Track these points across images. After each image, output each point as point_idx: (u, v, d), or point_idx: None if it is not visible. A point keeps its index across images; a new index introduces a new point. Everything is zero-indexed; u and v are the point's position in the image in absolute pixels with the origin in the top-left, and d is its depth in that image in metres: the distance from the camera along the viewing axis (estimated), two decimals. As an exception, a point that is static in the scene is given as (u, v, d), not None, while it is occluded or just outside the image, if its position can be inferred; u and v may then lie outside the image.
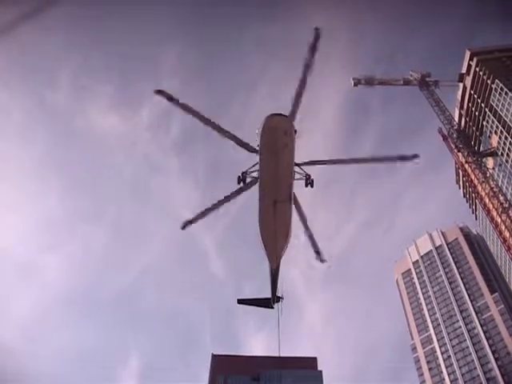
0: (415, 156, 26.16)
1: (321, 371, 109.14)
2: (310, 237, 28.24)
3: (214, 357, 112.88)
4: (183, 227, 27.36)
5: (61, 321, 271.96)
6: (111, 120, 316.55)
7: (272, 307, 34.21)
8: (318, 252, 28.60)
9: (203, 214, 27.32)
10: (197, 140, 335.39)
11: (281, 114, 23.05)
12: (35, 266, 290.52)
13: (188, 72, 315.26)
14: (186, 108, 24.79)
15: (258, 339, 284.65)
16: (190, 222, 27.34)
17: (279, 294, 33.59)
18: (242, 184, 25.73)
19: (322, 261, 28.99)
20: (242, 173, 25.75)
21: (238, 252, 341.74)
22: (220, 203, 27.01)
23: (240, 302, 36.02)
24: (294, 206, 26.94)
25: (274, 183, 24.81)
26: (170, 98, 24.64)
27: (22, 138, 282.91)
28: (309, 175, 25.94)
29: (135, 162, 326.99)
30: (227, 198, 26.87)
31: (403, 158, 26.67)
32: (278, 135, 23.05)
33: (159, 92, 24.62)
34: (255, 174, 25.60)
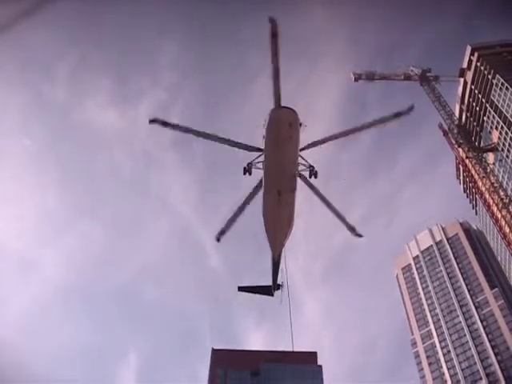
0: (410, 108, 26.47)
1: (321, 366, 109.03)
2: (339, 216, 28.46)
3: (214, 351, 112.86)
4: (218, 239, 27.94)
5: (59, 317, 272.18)
6: (109, 114, 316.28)
7: (272, 295, 34.72)
8: (352, 228, 28.74)
9: (232, 221, 27.89)
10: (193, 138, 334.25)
11: (286, 107, 23.54)
12: (33, 262, 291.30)
13: (187, 67, 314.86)
14: (182, 130, 26.10)
15: (256, 334, 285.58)
16: (223, 232, 27.90)
17: (279, 283, 34.09)
18: (247, 175, 26.36)
19: (358, 235, 29.06)
20: (248, 164, 26.42)
21: (237, 246, 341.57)
22: (243, 206, 27.69)
23: (240, 289, 36.45)
24: (313, 192, 27.51)
25: (278, 174, 25.42)
26: (165, 124, 25.64)
27: (20, 132, 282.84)
28: (312, 166, 26.57)
29: (133, 156, 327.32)
30: (248, 200, 27.64)
31: (398, 115, 26.82)
32: (283, 127, 23.62)
33: (153, 121, 25.48)
34: (259, 165, 26.21)
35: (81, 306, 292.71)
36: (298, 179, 26.73)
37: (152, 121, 25.38)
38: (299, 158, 25.95)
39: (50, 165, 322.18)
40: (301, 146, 25.56)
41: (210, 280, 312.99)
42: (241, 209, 27.64)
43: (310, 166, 26.50)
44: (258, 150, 25.88)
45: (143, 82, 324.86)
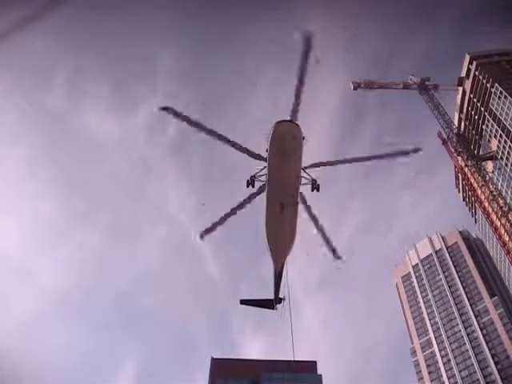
0: (417, 150, 27.10)
1: (320, 375, 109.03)
2: (324, 236, 28.71)
3: (214, 360, 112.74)
4: (201, 237, 27.51)
5: (57, 324, 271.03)
6: (107, 122, 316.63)
7: (274, 308, 34.44)
8: (333, 250, 29.01)
9: (220, 222, 27.58)
10: (193, 142, 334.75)
11: (290, 121, 24.00)
12: (31, 269, 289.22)
13: (184, 73, 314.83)
14: (193, 123, 25.40)
15: (254, 342, 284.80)
16: (208, 230, 27.47)
17: (281, 296, 33.84)
18: (250, 187, 26.47)
19: (338, 258, 29.37)
20: (251, 176, 26.69)
21: (234, 254, 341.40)
22: (235, 210, 27.57)
23: (242, 302, 36.19)
24: (304, 208, 27.76)
25: (281, 187, 25.60)
26: (176, 114, 25.13)
27: (17, 139, 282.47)
28: (315, 180, 26.79)
29: (131, 164, 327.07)
30: (241, 205, 27.52)
31: (405, 153, 27.38)
32: (286, 141, 23.98)
33: (165, 109, 25.08)
34: (263, 178, 26.38)
35: (78, 314, 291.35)
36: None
37: (164, 108, 25.10)
38: (302, 172, 26.08)
39: (47, 172, 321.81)
40: (305, 164, 25.86)
41: (208, 287, 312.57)
42: (232, 213, 27.48)
43: (313, 179, 26.74)
44: (262, 158, 25.93)
45: (141, 90, 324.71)
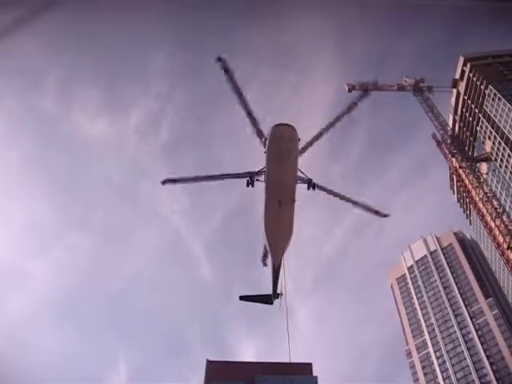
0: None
1: (316, 377, 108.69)
2: (364, 206, 31.80)
3: (209, 363, 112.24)
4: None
5: (48, 327, 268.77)
6: (99, 124, 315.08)
7: (272, 303, 35.42)
8: (376, 212, 32.18)
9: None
10: (185, 144, 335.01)
11: (287, 124, 25.51)
12: (22, 273, 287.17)
13: (176, 75, 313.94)
14: (192, 180, 28.69)
15: (247, 344, 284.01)
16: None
17: (278, 291, 34.62)
18: (250, 187, 28.05)
19: (385, 215, 32.61)
20: (250, 176, 28.20)
21: (227, 256, 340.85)
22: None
23: (242, 298, 37.19)
24: (331, 194, 30.26)
25: (279, 186, 26.94)
26: (176, 181, 28.43)
27: (8, 141, 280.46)
28: (311, 179, 28.54)
29: (123, 166, 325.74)
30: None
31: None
32: (284, 143, 25.47)
33: (164, 182, 28.37)
34: (261, 178, 27.83)
35: (70, 316, 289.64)
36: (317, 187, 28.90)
37: (164, 182, 28.18)
38: (298, 172, 27.53)
39: (38, 175, 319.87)
40: (300, 167, 27.58)
41: (201, 289, 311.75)
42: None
43: (309, 178, 28.10)
44: (248, 173, 27.77)
45: (133, 92, 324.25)
